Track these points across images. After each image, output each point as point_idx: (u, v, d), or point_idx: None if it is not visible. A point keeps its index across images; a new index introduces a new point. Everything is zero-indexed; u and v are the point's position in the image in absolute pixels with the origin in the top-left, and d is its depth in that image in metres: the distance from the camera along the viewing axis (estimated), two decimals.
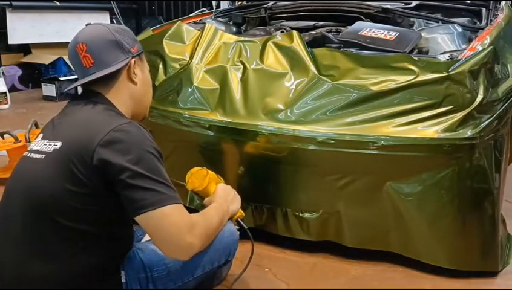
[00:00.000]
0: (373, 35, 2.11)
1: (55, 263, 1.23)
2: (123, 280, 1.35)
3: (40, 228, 1.23)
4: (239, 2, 3.05)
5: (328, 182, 1.81)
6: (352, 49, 2.05)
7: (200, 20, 2.75)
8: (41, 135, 1.36)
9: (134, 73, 1.39)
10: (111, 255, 1.30)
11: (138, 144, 1.23)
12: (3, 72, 4.98)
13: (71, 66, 5.18)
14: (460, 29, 2.18)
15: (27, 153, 1.33)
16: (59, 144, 1.25)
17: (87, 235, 1.25)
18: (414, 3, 2.51)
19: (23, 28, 5.17)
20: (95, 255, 1.26)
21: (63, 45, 5.50)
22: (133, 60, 1.39)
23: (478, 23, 2.39)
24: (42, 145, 1.29)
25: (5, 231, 1.29)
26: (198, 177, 1.57)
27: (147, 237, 1.67)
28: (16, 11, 5.09)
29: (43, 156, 1.26)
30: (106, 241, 1.27)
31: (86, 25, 1.42)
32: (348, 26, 2.33)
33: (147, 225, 1.21)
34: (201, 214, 1.39)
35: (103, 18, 5.86)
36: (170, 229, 1.21)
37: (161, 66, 2.22)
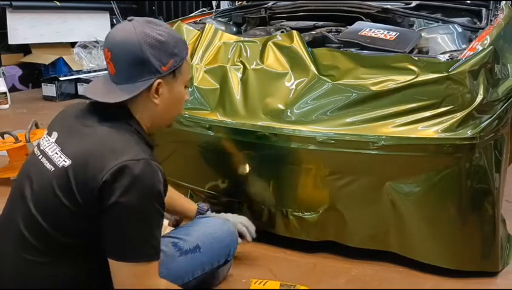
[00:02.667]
0: (373, 35, 2.11)
1: (43, 269, 1.22)
2: None
3: (34, 234, 1.22)
4: (239, 2, 3.05)
5: (328, 182, 1.81)
6: (352, 49, 2.05)
7: (200, 20, 2.75)
8: (55, 134, 1.29)
9: (156, 94, 1.27)
10: (101, 270, 1.25)
11: (140, 187, 1.15)
12: (3, 72, 4.98)
13: (71, 66, 5.24)
14: (460, 29, 2.18)
15: (39, 153, 1.29)
16: (68, 162, 1.19)
17: (77, 249, 1.23)
18: (414, 3, 2.51)
19: (23, 28, 5.17)
20: (84, 268, 1.25)
21: (63, 45, 5.50)
22: (158, 80, 1.25)
23: (478, 23, 2.39)
24: (53, 153, 1.24)
25: (6, 231, 1.29)
26: None
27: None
28: (16, 11, 5.08)
29: (52, 168, 1.21)
30: (98, 257, 1.23)
31: (129, 20, 1.26)
32: (348, 26, 2.33)
33: (110, 267, 1.20)
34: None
35: (103, 18, 5.86)
36: (122, 286, 1.19)
37: None
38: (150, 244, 1.20)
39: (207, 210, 1.79)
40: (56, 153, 1.24)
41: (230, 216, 1.78)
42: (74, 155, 1.20)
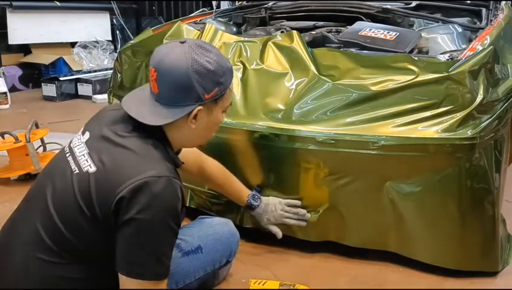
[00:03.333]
0: (373, 35, 2.11)
1: (54, 270, 1.22)
2: None
3: (49, 235, 1.22)
4: (240, 2, 3.05)
5: (328, 182, 1.81)
6: (352, 49, 2.05)
7: (200, 20, 2.75)
8: (87, 134, 1.29)
9: (194, 118, 1.27)
10: (113, 276, 1.25)
11: (158, 205, 1.15)
12: (3, 72, 4.98)
13: (71, 66, 5.24)
14: (460, 29, 2.18)
15: (68, 152, 1.29)
16: (93, 168, 1.20)
17: (91, 255, 1.23)
18: (414, 3, 2.51)
19: (23, 28, 5.17)
20: (98, 267, 1.25)
21: (63, 45, 5.51)
22: (199, 107, 1.25)
23: (478, 23, 2.39)
24: (81, 155, 1.24)
25: (21, 227, 1.28)
26: None
27: None
28: (16, 11, 5.08)
29: (77, 170, 1.22)
30: (111, 263, 1.23)
31: (181, 42, 1.25)
32: (348, 26, 2.33)
33: (119, 279, 1.20)
34: None
35: (103, 18, 5.87)
36: None
37: None
38: (162, 264, 1.19)
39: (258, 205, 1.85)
40: (84, 155, 1.24)
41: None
42: (100, 163, 1.20)
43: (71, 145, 1.31)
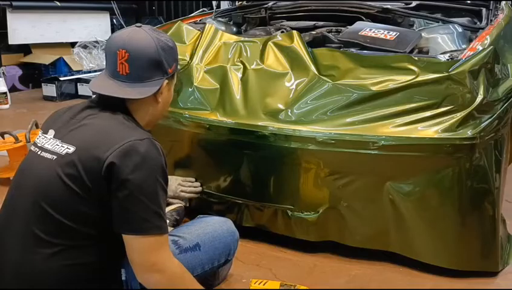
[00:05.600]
0: (373, 35, 2.11)
1: (56, 260, 1.23)
2: (123, 278, 1.36)
3: (44, 226, 1.23)
4: (240, 2, 3.05)
5: (328, 182, 1.81)
6: (352, 49, 2.05)
7: (200, 20, 2.75)
8: (52, 131, 1.33)
9: (160, 93, 1.38)
10: (112, 255, 1.31)
11: (147, 165, 1.23)
12: (3, 72, 4.98)
13: (71, 66, 5.23)
14: (460, 29, 2.18)
15: (37, 150, 1.31)
16: (72, 149, 1.24)
17: (89, 237, 1.26)
18: (414, 3, 2.51)
19: (23, 28, 5.17)
20: (96, 254, 1.27)
21: (63, 45, 5.51)
22: (166, 81, 1.38)
23: (478, 23, 2.39)
24: (54, 145, 1.28)
25: (8, 226, 1.29)
26: None
27: None
28: (16, 11, 5.08)
29: (55, 157, 1.25)
30: (108, 243, 1.28)
31: (137, 26, 1.37)
32: (348, 26, 2.33)
33: (125, 243, 1.25)
34: (184, 271, 1.35)
35: (103, 18, 5.87)
36: (139, 258, 1.24)
37: None
38: (160, 217, 1.25)
39: None
40: (57, 144, 1.28)
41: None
42: (78, 141, 1.25)
43: (38, 145, 1.33)
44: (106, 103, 1.33)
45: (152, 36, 1.34)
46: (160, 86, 1.35)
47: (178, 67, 1.46)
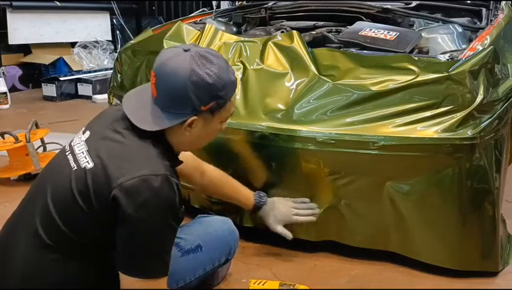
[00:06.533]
0: (373, 35, 2.11)
1: (52, 266, 1.23)
2: None
3: (48, 230, 1.22)
4: (240, 2, 3.05)
5: (328, 182, 1.81)
6: (352, 49, 2.05)
7: (200, 20, 2.75)
8: (88, 133, 1.30)
9: (189, 127, 1.26)
10: (109, 278, 1.26)
11: (156, 203, 1.15)
12: (3, 72, 4.98)
13: (71, 66, 5.24)
14: (460, 29, 2.18)
15: (68, 150, 1.29)
16: (90, 165, 1.20)
17: (89, 253, 1.24)
18: (414, 3, 2.51)
19: (23, 28, 5.17)
20: (97, 263, 1.26)
21: (63, 45, 5.51)
22: (194, 117, 1.25)
23: (478, 23, 2.39)
24: (80, 152, 1.25)
25: (21, 220, 1.29)
26: None
27: None
28: (16, 11, 5.08)
29: (75, 167, 1.23)
30: (109, 253, 1.23)
31: (185, 50, 1.23)
32: (348, 26, 2.33)
33: (120, 276, 1.20)
34: None
35: (103, 18, 5.87)
36: None
37: None
38: (162, 261, 1.19)
39: (265, 202, 1.82)
40: (83, 152, 1.25)
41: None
42: (98, 159, 1.21)
43: (72, 143, 1.32)
44: None
45: (187, 67, 1.20)
46: (182, 121, 1.24)
47: (228, 103, 1.30)
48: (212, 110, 1.27)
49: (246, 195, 1.82)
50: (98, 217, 1.18)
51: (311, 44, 2.11)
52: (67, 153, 1.29)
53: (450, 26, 2.21)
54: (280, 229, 1.82)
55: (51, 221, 1.22)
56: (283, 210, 1.81)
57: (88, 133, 1.31)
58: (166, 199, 1.16)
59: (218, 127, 1.34)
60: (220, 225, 1.64)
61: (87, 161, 1.22)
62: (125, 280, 1.19)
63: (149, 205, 1.14)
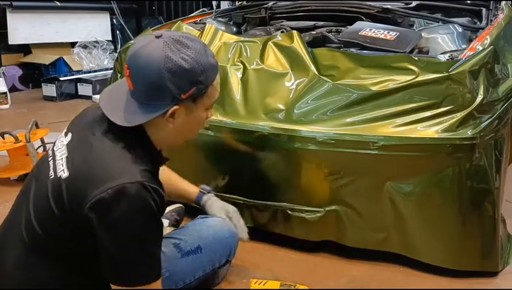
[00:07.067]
0: (373, 35, 2.11)
1: (45, 272, 1.22)
2: None
3: (32, 240, 1.21)
4: (240, 2, 3.05)
5: (328, 182, 1.81)
6: (352, 49, 2.05)
7: (200, 20, 2.75)
8: (69, 137, 1.26)
9: (171, 118, 1.19)
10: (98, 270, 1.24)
11: (133, 212, 1.10)
12: (3, 72, 4.98)
13: (71, 66, 5.24)
14: (460, 29, 2.18)
15: (50, 155, 1.26)
16: (65, 174, 1.16)
17: (72, 256, 1.22)
18: (414, 3, 2.51)
19: (23, 28, 5.17)
20: (82, 271, 1.24)
21: (63, 45, 5.50)
22: (175, 107, 1.18)
23: (478, 23, 2.39)
24: (60, 158, 1.21)
25: (10, 229, 1.29)
26: None
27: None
28: (16, 11, 5.08)
29: (52, 175, 1.20)
30: (93, 261, 1.21)
31: (157, 36, 1.15)
32: (348, 26, 2.33)
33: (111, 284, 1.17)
34: None
35: (103, 18, 5.86)
36: None
37: None
38: (148, 267, 1.16)
39: (210, 191, 1.78)
40: (62, 159, 1.21)
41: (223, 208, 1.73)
42: (73, 168, 1.17)
43: (54, 148, 1.28)
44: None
45: (160, 54, 1.13)
46: (164, 113, 1.18)
47: (210, 89, 1.22)
48: (194, 97, 1.19)
49: (190, 188, 1.77)
50: (76, 226, 1.15)
51: (311, 44, 2.11)
52: (49, 159, 1.26)
53: (450, 26, 2.21)
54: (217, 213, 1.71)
55: (32, 228, 1.20)
56: (221, 204, 1.74)
57: (69, 136, 1.27)
58: (143, 207, 1.11)
59: (203, 115, 1.27)
60: (220, 226, 1.63)
61: (63, 170, 1.18)
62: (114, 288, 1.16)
63: (126, 214, 1.10)
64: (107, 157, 1.15)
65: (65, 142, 1.25)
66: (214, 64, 1.23)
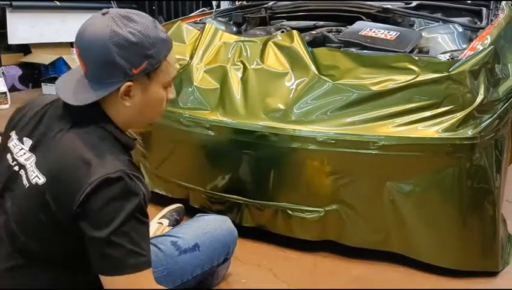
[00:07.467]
0: (373, 35, 2.11)
1: (34, 279, 1.20)
2: None
3: (18, 251, 1.19)
4: (240, 2, 3.05)
5: (328, 181, 1.81)
6: (352, 49, 2.05)
7: (200, 20, 2.75)
8: (29, 141, 1.20)
9: (126, 96, 1.16)
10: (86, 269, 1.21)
11: (119, 202, 1.09)
12: (3, 72, 4.97)
13: (70, 66, 5.23)
14: (460, 29, 2.18)
15: (15, 164, 1.20)
16: (42, 180, 1.13)
17: (69, 262, 1.20)
18: (414, 3, 2.51)
19: (23, 28, 5.16)
20: (80, 272, 1.22)
21: (63, 45, 5.49)
22: (128, 83, 1.14)
23: (478, 22, 2.39)
24: (30, 166, 1.16)
25: None
26: None
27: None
28: (16, 11, 5.07)
29: (27, 185, 1.15)
30: (80, 260, 1.18)
31: (103, 13, 1.14)
32: (348, 26, 2.33)
33: (102, 281, 1.15)
34: None
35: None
36: None
37: None
38: (137, 255, 1.12)
39: None
40: (31, 165, 1.17)
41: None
42: (48, 171, 1.13)
43: (15, 156, 1.22)
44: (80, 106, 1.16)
45: (106, 29, 1.11)
46: (117, 89, 1.14)
47: (163, 64, 1.19)
48: (147, 73, 1.16)
49: None
50: (68, 231, 1.13)
51: (312, 44, 2.11)
52: (16, 168, 1.20)
53: (450, 26, 2.21)
54: None
55: (20, 242, 1.17)
56: None
57: (26, 140, 1.21)
58: (127, 195, 1.10)
59: (162, 93, 1.23)
60: (219, 224, 1.63)
61: (37, 176, 1.14)
62: (106, 280, 1.14)
63: (112, 204, 1.08)
64: (80, 152, 1.13)
65: (26, 148, 1.20)
66: (165, 38, 1.19)
